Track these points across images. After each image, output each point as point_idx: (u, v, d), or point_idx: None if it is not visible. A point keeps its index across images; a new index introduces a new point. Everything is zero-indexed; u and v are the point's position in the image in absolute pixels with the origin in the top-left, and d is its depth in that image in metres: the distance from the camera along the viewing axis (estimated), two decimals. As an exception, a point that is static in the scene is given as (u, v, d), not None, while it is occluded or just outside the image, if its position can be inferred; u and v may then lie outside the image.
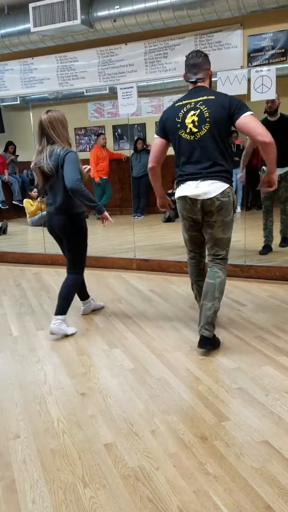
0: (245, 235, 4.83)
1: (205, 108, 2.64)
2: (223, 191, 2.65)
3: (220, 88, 4.20)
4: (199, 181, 2.66)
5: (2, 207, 8.04)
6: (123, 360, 2.74)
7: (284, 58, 4.12)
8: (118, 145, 8.79)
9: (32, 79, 5.55)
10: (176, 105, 2.76)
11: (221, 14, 4.18)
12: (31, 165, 3.08)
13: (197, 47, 4.50)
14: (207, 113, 2.63)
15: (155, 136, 2.88)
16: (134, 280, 4.46)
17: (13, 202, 8.48)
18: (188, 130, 2.67)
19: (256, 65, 4.18)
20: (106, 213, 3.16)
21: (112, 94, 5.75)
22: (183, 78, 2.83)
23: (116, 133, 8.75)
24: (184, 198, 2.73)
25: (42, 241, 5.64)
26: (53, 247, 5.56)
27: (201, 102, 2.65)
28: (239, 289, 4.04)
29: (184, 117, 2.68)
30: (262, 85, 4.00)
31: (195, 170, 2.68)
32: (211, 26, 4.42)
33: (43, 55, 5.41)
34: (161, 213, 7.74)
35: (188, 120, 2.66)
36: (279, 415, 2.09)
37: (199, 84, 2.74)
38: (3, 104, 7.38)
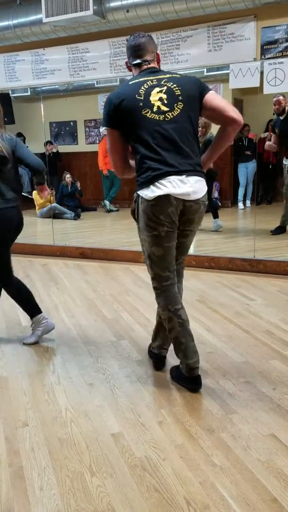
0: (254, 230, 4.81)
1: (174, 85, 2.15)
2: (205, 193, 2.20)
3: (232, 81, 4.17)
4: (184, 175, 2.10)
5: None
6: (130, 351, 2.75)
7: (298, 51, 4.07)
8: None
9: (44, 70, 5.54)
10: (130, 83, 2.21)
11: (235, 5, 4.14)
12: None
13: (210, 39, 4.46)
14: (178, 91, 2.14)
15: (103, 129, 2.28)
16: (142, 273, 4.46)
17: (23, 193, 8.43)
18: (155, 109, 2.11)
19: (269, 58, 4.13)
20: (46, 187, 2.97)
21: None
22: (126, 66, 2.34)
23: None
24: (166, 197, 2.09)
25: (51, 232, 5.66)
26: (62, 239, 5.59)
27: (166, 79, 2.17)
28: (248, 283, 4.02)
29: (148, 93, 2.13)
30: (275, 78, 3.95)
31: (178, 160, 2.10)
32: (224, 18, 4.37)
33: (55, 46, 5.39)
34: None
35: (154, 97, 2.12)
36: (286, 409, 2.09)
37: (148, 65, 2.24)
38: (14, 95, 7.39)
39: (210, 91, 2.20)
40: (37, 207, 7.71)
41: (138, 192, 2.18)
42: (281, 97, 4.76)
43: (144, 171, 2.13)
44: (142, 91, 2.13)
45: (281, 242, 5.07)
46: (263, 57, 4.17)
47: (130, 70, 2.32)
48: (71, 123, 8.94)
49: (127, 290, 3.96)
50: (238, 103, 7.30)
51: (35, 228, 7.07)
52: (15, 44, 5.55)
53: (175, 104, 2.13)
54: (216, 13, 4.29)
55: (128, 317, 3.31)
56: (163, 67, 4.89)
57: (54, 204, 7.56)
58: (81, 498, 1.61)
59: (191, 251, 5.10)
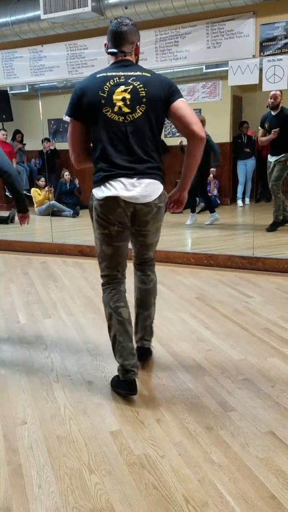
0: (253, 227, 4.81)
1: (140, 86, 2.07)
2: (160, 195, 2.14)
3: (231, 78, 4.16)
4: (135, 178, 2.08)
5: (10, 196, 8.05)
6: (129, 349, 2.74)
7: (297, 48, 4.06)
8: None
9: (42, 67, 5.52)
10: (98, 75, 2.13)
11: (234, 2, 4.12)
12: None
13: (209, 36, 4.44)
14: (143, 92, 2.06)
15: (66, 118, 2.22)
16: (141, 271, 4.46)
17: (21, 191, 8.47)
18: (116, 109, 2.07)
19: (268, 55, 4.12)
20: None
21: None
22: (106, 52, 2.24)
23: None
24: (115, 199, 2.09)
25: (49, 230, 5.66)
26: (60, 237, 5.58)
27: (134, 78, 2.09)
28: (247, 281, 4.02)
29: (112, 91, 2.07)
30: (274, 75, 3.95)
31: (128, 163, 2.09)
32: (223, 14, 4.36)
33: (53, 42, 5.37)
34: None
35: (117, 96, 2.06)
36: (285, 406, 2.09)
37: (123, 57, 2.15)
38: (12, 92, 7.36)
39: (180, 99, 2.11)
40: (35, 205, 7.70)
41: (92, 191, 2.20)
42: (278, 92, 4.86)
43: (97, 170, 2.16)
44: (106, 88, 2.08)
45: (280, 240, 5.07)
46: (262, 54, 4.16)
47: (106, 51, 2.21)
48: (70, 120, 8.91)
49: (126, 288, 3.95)
50: (237, 101, 7.30)
51: (34, 226, 7.05)
52: (13, 40, 5.52)
53: (138, 106, 2.07)
54: (215, 10, 4.27)
55: (126, 315, 3.31)
56: (162, 64, 4.88)
57: (53, 202, 7.55)
58: (80, 495, 1.61)
59: (189, 248, 5.11)
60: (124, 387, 2.21)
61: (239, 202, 7.47)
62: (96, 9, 4.62)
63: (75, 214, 7.51)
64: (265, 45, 4.18)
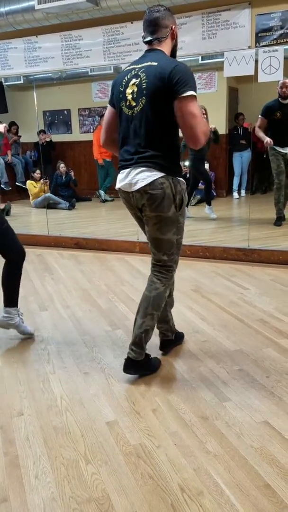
0: (249, 219, 4.81)
1: (144, 77, 2.06)
2: (152, 182, 2.10)
3: (227, 69, 4.14)
4: (130, 168, 2.16)
5: (5, 188, 8.02)
6: (125, 341, 2.75)
7: (293, 39, 4.04)
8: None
9: (36, 57, 5.47)
10: (125, 69, 2.21)
11: (229, -8, 4.10)
12: None
13: (204, 26, 4.41)
14: (144, 84, 2.06)
15: (108, 105, 2.33)
16: (137, 263, 4.47)
17: (16, 183, 8.45)
18: (127, 103, 2.13)
19: (264, 45, 4.10)
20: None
21: (117, 74, 5.67)
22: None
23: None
24: (120, 190, 2.25)
25: (45, 222, 5.64)
26: (56, 229, 5.57)
27: (143, 69, 2.08)
28: (242, 272, 4.04)
29: (126, 86, 2.13)
30: (270, 66, 3.93)
31: (128, 155, 2.17)
32: (218, 5, 4.33)
33: (48, 33, 5.32)
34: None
35: (128, 90, 2.12)
36: (280, 396, 2.11)
37: (154, 45, 2.14)
38: (7, 83, 7.30)
39: (179, 98, 1.98)
40: (31, 197, 7.67)
41: None
42: (281, 78, 4.56)
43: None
44: (124, 82, 2.14)
45: (275, 232, 5.08)
46: (257, 44, 4.14)
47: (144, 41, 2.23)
48: (65, 111, 8.85)
49: (122, 280, 3.97)
50: (233, 92, 7.26)
51: (29, 218, 7.04)
52: (7, 31, 5.47)
53: (140, 99, 2.08)
54: (210, 0, 4.24)
55: (123, 307, 3.32)
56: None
57: (48, 194, 7.52)
58: (76, 485, 1.63)
59: (185, 241, 5.11)
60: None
61: (235, 194, 7.47)
62: (90, -1, 4.58)
63: (71, 207, 7.49)
64: (260, 36, 4.16)
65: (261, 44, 4.12)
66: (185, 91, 1.97)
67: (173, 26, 2.17)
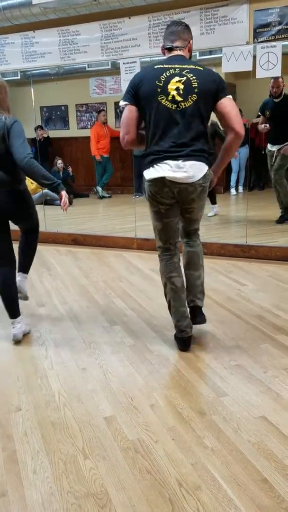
0: (246, 216, 4.81)
1: (193, 78, 2.29)
2: (205, 175, 2.35)
3: (225, 64, 4.13)
4: (180, 160, 2.30)
5: None
6: (123, 336, 2.76)
7: (291, 34, 4.03)
8: (119, 123, 8.69)
9: (34, 53, 5.44)
10: (155, 67, 2.36)
11: (228, -13, 4.09)
12: None
13: (202, 21, 4.40)
14: (195, 83, 2.29)
15: (123, 103, 2.43)
16: (135, 259, 4.47)
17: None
18: (170, 97, 2.29)
19: (262, 41, 4.09)
20: (65, 193, 2.68)
21: (114, 70, 5.63)
22: (161, 50, 2.49)
23: (118, 110, 8.63)
24: (161, 180, 2.34)
25: (43, 219, 5.62)
26: (54, 225, 5.55)
27: (188, 70, 2.31)
28: (240, 269, 4.04)
29: (167, 81, 2.30)
30: (268, 61, 3.92)
31: (176, 147, 2.30)
32: (216, 0, 4.31)
33: (45, 28, 5.29)
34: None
35: (171, 86, 2.29)
36: (277, 391, 2.12)
37: (177, 52, 2.41)
38: (4, 79, 7.25)
39: (226, 97, 2.33)
40: (28, 193, 7.65)
41: (143, 172, 2.44)
42: (280, 79, 4.57)
43: (147, 153, 2.41)
44: (163, 78, 2.31)
45: (272, 228, 5.08)
46: (255, 40, 4.13)
47: (164, 53, 2.48)
48: (62, 107, 8.82)
49: (120, 276, 3.97)
50: (231, 88, 7.24)
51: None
52: (4, 26, 5.43)
53: (189, 96, 2.29)
54: (208, -5, 4.24)
55: (120, 303, 3.32)
56: (156, 50, 4.84)
57: (46, 191, 7.48)
58: (74, 480, 1.63)
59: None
60: (179, 344, 2.57)
61: (233, 191, 7.47)
62: (88, -6, 4.56)
63: (69, 203, 7.47)
64: (258, 32, 4.15)
65: (259, 40, 4.11)
66: (228, 94, 2.35)
67: (191, 41, 2.48)
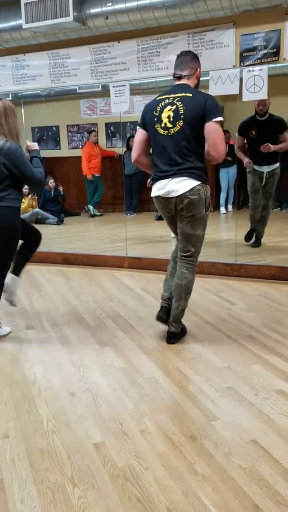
0: (236, 234, 4.84)
1: (181, 105, 2.62)
2: (192, 188, 2.64)
3: (212, 87, 4.21)
4: (169, 179, 2.67)
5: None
6: (113, 359, 2.74)
7: (276, 58, 4.11)
8: (110, 143, 8.77)
9: (24, 75, 5.50)
10: (157, 98, 2.76)
11: (214, 13, 4.17)
12: None
13: (190, 46, 4.48)
14: (182, 110, 2.61)
15: (138, 128, 2.87)
16: (126, 279, 4.46)
17: None
18: (163, 125, 2.66)
19: (248, 65, 4.18)
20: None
21: (105, 92, 5.71)
22: (172, 77, 2.83)
23: (108, 131, 8.72)
24: (157, 197, 2.77)
25: (33, 238, 5.60)
26: (45, 245, 5.53)
27: (178, 98, 2.64)
28: (230, 287, 4.05)
29: (162, 111, 2.67)
30: (254, 84, 4.00)
31: (166, 167, 2.69)
32: (203, 25, 4.40)
33: (35, 51, 5.36)
34: (154, 211, 7.73)
35: (164, 115, 2.66)
36: (268, 414, 2.11)
37: (182, 80, 2.75)
38: (-5, 100, 7.31)
39: (211, 121, 2.57)
40: (19, 213, 7.65)
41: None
42: (265, 97, 4.42)
43: (153, 173, 2.82)
44: (159, 108, 2.69)
45: (261, 247, 5.12)
46: (242, 64, 4.21)
47: (174, 80, 2.81)
48: (54, 128, 8.90)
49: (111, 296, 3.95)
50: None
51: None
52: (-5, 49, 5.49)
53: (177, 122, 2.62)
54: (195, 20, 4.31)
55: (111, 324, 3.30)
56: (144, 74, 4.93)
57: (37, 209, 7.52)
58: (63, 509, 1.60)
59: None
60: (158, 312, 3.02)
61: (222, 209, 7.53)
62: (78, 19, 4.63)
63: (60, 222, 7.48)
64: (245, 56, 4.23)
65: (245, 64, 4.20)
66: (215, 117, 2.57)
67: (198, 69, 2.80)
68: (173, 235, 3.11)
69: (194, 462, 1.80)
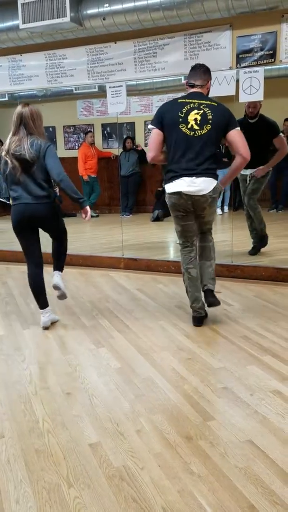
0: (232, 235, 4.85)
1: (209, 111, 2.90)
2: (214, 188, 2.93)
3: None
4: (194, 177, 2.88)
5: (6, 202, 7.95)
6: (109, 359, 2.73)
7: (273, 60, 4.13)
8: (107, 144, 8.77)
9: (21, 76, 5.50)
10: (179, 101, 2.97)
11: (211, 14, 4.18)
12: (2, 152, 3.09)
13: (187, 47, 4.50)
14: (210, 116, 2.89)
15: (151, 127, 3.02)
16: (122, 279, 4.46)
17: (1, 199, 8.40)
18: (189, 126, 2.89)
19: (244, 66, 4.20)
20: (88, 208, 3.26)
21: (101, 92, 5.71)
22: (185, 85, 3.11)
23: (105, 132, 8.73)
24: (178, 193, 2.92)
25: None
26: (42, 246, 5.51)
27: (205, 105, 2.92)
28: (226, 288, 4.06)
29: (188, 113, 2.90)
30: (251, 86, 4.02)
31: (191, 166, 2.88)
32: (200, 26, 4.42)
33: (32, 52, 5.36)
34: (150, 212, 7.74)
35: (191, 117, 2.89)
36: (263, 414, 2.11)
37: (197, 89, 3.01)
38: (-9, 100, 7.30)
39: (234, 129, 2.93)
40: (15, 213, 7.63)
41: (164, 185, 3.06)
42: (262, 99, 4.28)
43: (168, 170, 3.00)
44: (184, 110, 2.92)
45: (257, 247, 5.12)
46: (238, 65, 4.23)
47: (187, 88, 3.08)
48: (50, 128, 8.88)
49: (107, 296, 3.95)
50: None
51: (14, 235, 6.97)
52: (-8, 49, 5.49)
53: (205, 125, 2.89)
54: (192, 22, 4.33)
55: (107, 324, 3.30)
56: (141, 75, 4.94)
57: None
58: (58, 510, 1.59)
59: (171, 257, 5.14)
60: (193, 321, 3.20)
61: (218, 211, 7.55)
62: (74, 19, 4.63)
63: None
64: (241, 57, 4.24)
65: (242, 65, 4.21)
66: (236, 126, 2.96)
67: (209, 81, 3.09)
68: (179, 240, 3.20)
69: (190, 462, 1.80)
